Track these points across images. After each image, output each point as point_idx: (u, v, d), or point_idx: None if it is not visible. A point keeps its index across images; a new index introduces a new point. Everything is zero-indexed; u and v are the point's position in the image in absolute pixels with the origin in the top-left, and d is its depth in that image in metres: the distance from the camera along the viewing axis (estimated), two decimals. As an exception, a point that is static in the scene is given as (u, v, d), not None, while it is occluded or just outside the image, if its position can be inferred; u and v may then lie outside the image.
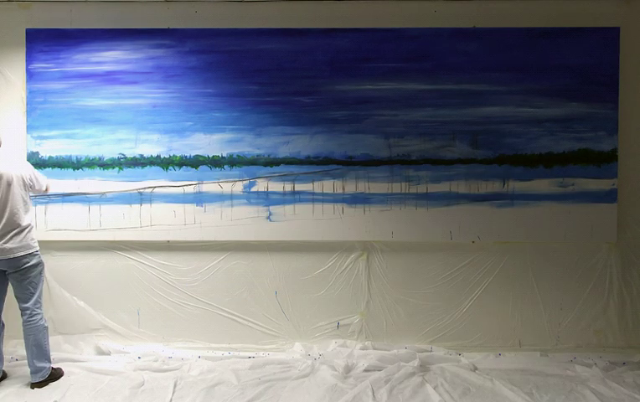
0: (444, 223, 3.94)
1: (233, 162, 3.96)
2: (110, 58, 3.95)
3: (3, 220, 3.36)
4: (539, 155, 3.92)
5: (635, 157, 3.94)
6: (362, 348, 3.91)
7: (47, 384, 3.47)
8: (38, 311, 3.47)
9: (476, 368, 3.67)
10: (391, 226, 3.94)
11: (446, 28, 3.91)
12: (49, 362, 3.52)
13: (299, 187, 3.94)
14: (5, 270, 3.43)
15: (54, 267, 4.00)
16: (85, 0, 3.95)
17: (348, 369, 3.62)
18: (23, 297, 3.45)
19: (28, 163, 3.64)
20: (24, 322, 3.45)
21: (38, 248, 3.50)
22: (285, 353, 3.91)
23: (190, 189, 3.96)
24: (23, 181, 3.46)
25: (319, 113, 3.94)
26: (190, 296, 4.01)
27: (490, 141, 3.93)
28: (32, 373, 3.45)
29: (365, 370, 3.62)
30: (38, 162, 3.95)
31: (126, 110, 3.95)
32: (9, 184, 3.39)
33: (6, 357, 3.78)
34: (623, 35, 3.89)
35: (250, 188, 3.96)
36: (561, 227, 3.92)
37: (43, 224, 3.96)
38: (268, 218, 3.96)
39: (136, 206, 3.96)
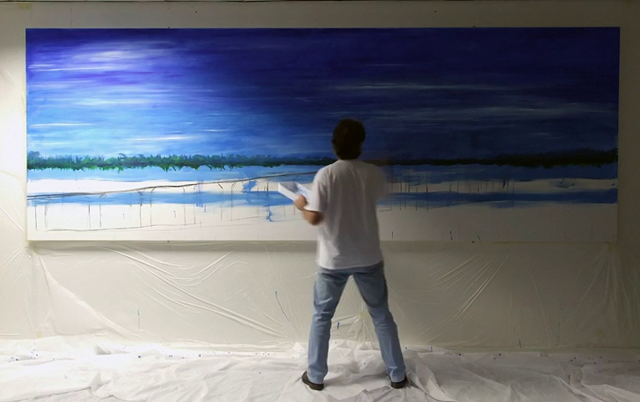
0: (444, 223, 3.94)
1: (233, 162, 3.96)
2: (110, 58, 3.95)
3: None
4: (539, 155, 3.92)
5: (635, 157, 3.94)
6: (362, 348, 3.92)
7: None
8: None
9: (476, 368, 3.66)
10: (391, 226, 3.94)
11: (446, 28, 3.91)
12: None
13: (299, 187, 3.93)
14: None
15: (54, 267, 4.00)
16: (85, 0, 3.95)
17: (348, 369, 3.62)
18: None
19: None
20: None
21: None
22: (285, 352, 3.92)
23: (190, 189, 3.96)
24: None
25: (319, 113, 3.94)
26: (190, 296, 4.01)
27: (490, 141, 3.93)
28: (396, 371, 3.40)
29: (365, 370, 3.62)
30: (38, 162, 3.95)
31: (126, 110, 3.95)
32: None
33: (6, 357, 3.79)
34: (623, 35, 3.89)
35: (250, 188, 3.96)
36: (561, 227, 3.92)
37: (43, 224, 3.96)
38: (268, 218, 3.96)
39: (136, 206, 3.96)
